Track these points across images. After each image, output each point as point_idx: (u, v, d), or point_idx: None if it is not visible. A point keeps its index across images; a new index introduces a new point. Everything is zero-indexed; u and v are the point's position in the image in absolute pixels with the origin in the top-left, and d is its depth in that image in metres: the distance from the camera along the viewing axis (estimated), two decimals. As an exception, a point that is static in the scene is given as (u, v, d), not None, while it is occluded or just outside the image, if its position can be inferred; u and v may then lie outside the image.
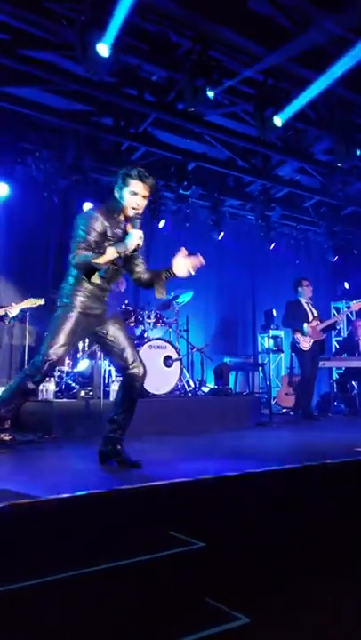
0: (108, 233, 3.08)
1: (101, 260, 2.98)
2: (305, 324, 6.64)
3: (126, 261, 3.24)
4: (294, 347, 6.77)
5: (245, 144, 6.81)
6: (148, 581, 1.50)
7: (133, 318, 6.16)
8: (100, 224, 3.05)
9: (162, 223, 8.05)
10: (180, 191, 7.44)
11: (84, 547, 1.81)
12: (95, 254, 2.98)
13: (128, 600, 1.36)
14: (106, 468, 3.24)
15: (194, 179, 7.45)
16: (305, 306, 6.82)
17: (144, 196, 3.14)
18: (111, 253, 2.98)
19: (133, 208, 3.11)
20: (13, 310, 4.80)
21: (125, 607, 1.32)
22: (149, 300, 6.70)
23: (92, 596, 1.39)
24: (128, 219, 3.15)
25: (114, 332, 3.24)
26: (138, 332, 6.23)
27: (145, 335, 6.09)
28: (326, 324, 6.69)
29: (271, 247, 8.98)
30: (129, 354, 3.26)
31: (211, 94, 5.16)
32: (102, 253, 2.98)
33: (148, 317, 6.12)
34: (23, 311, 6.13)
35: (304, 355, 6.67)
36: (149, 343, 5.77)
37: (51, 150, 6.56)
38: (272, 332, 7.75)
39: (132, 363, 3.26)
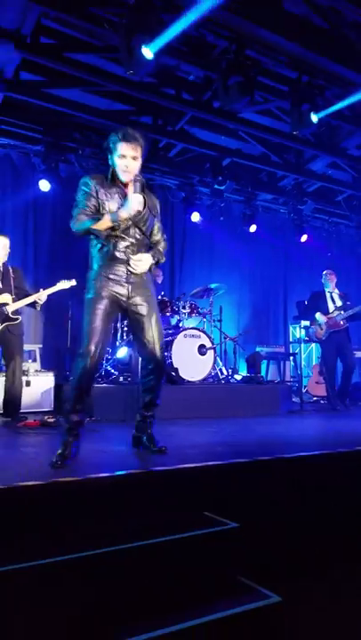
0: (103, 198, 2.97)
1: (98, 226, 2.89)
2: (317, 314, 6.62)
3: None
4: (308, 338, 6.86)
5: (279, 140, 6.90)
6: (183, 559, 1.55)
7: (169, 308, 6.35)
8: (93, 189, 2.96)
9: (196, 217, 8.24)
10: (215, 186, 7.59)
11: (121, 524, 1.87)
12: (95, 221, 2.90)
13: (164, 577, 1.41)
14: (140, 450, 3.32)
15: (228, 174, 7.59)
16: (327, 296, 6.79)
17: (133, 157, 2.98)
18: (107, 220, 2.89)
19: (124, 171, 2.97)
20: (43, 296, 5.02)
21: (162, 583, 1.37)
22: (184, 291, 6.94)
23: (128, 572, 1.45)
24: (124, 184, 3.03)
25: (141, 315, 3.09)
26: (173, 321, 6.44)
27: (180, 325, 6.29)
28: (345, 314, 6.63)
29: (303, 240, 9.08)
30: (154, 347, 3.11)
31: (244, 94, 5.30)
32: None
33: (184, 307, 6.31)
34: (65, 300, 6.41)
35: (323, 344, 6.69)
36: (184, 332, 5.96)
37: (92, 148, 6.84)
38: (303, 323, 7.84)
39: (156, 357, 3.13)
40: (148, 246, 3.18)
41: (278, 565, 1.52)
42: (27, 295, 5.00)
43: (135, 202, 2.90)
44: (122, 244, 3.01)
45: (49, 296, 5.08)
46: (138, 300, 3.08)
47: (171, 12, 4.98)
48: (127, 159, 2.97)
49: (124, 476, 2.63)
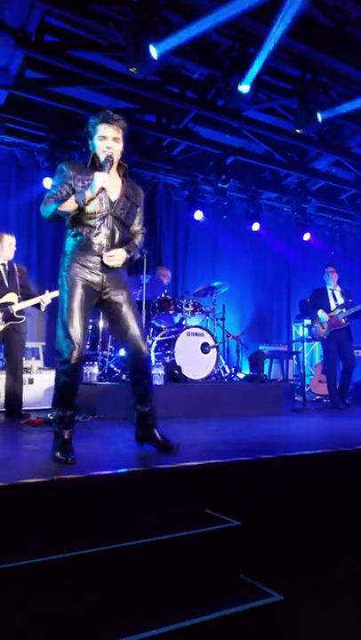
0: (80, 185, 2.86)
1: (64, 207, 2.82)
2: (320, 312, 6.60)
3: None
4: (311, 336, 6.87)
5: (283, 138, 6.92)
6: (184, 557, 1.55)
7: (172, 306, 6.36)
8: (68, 175, 2.88)
9: (200, 215, 8.24)
10: (219, 184, 7.61)
11: (123, 522, 1.88)
12: (61, 203, 2.83)
13: (165, 575, 1.42)
14: (145, 449, 3.31)
15: (232, 172, 7.62)
16: (329, 293, 6.78)
17: (115, 138, 2.90)
18: (72, 201, 2.80)
19: (104, 152, 2.87)
20: (47, 298, 5.04)
21: (163, 581, 1.37)
22: (188, 290, 6.95)
23: (130, 570, 1.45)
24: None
25: (117, 304, 3.01)
26: (176, 319, 6.44)
27: (183, 323, 6.28)
28: (347, 313, 6.61)
29: (306, 239, 9.08)
30: (133, 332, 3.02)
31: (247, 89, 5.29)
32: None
33: (187, 306, 6.29)
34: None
35: (324, 343, 6.68)
36: (187, 330, 5.95)
37: (96, 146, 6.84)
38: (306, 322, 7.84)
39: (136, 342, 3.03)
40: (128, 237, 3.09)
41: (280, 564, 1.52)
42: (31, 294, 5.03)
43: (99, 180, 2.78)
44: (97, 234, 2.91)
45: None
46: (113, 288, 3.00)
47: (175, 10, 4.99)
48: (108, 140, 2.88)
49: (126, 474, 2.64)
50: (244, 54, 5.31)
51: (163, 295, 6.50)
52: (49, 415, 4.83)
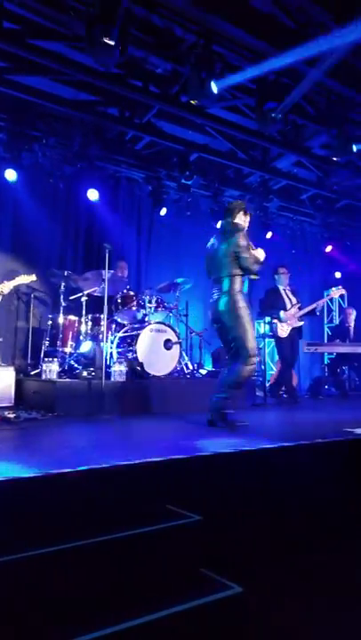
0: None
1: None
2: (281, 312, 6.80)
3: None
4: (272, 334, 7.05)
5: (246, 137, 6.95)
6: (146, 553, 1.55)
7: (135, 302, 6.34)
8: None
9: (163, 211, 8.21)
10: (182, 181, 7.57)
11: (84, 520, 1.87)
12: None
13: (125, 571, 1.41)
14: (108, 444, 3.35)
15: (196, 169, 7.60)
16: (282, 293, 6.97)
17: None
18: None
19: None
20: (5, 288, 4.92)
21: (123, 578, 1.36)
22: (151, 286, 6.91)
23: (89, 568, 1.44)
24: None
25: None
26: (139, 315, 6.40)
27: (146, 319, 6.27)
28: (305, 311, 6.87)
29: (269, 237, 9.17)
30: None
31: (215, 88, 5.31)
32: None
33: (150, 302, 6.29)
34: (27, 294, 6.33)
35: (282, 341, 6.87)
36: (150, 327, 5.94)
37: (57, 138, 6.71)
38: (267, 319, 7.94)
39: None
40: None
41: (240, 556, 1.53)
42: None
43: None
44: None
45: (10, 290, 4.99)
46: None
47: (137, 3, 4.95)
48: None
49: (87, 471, 2.61)
50: (208, 51, 5.30)
51: (125, 291, 6.45)
52: (6, 413, 4.75)
